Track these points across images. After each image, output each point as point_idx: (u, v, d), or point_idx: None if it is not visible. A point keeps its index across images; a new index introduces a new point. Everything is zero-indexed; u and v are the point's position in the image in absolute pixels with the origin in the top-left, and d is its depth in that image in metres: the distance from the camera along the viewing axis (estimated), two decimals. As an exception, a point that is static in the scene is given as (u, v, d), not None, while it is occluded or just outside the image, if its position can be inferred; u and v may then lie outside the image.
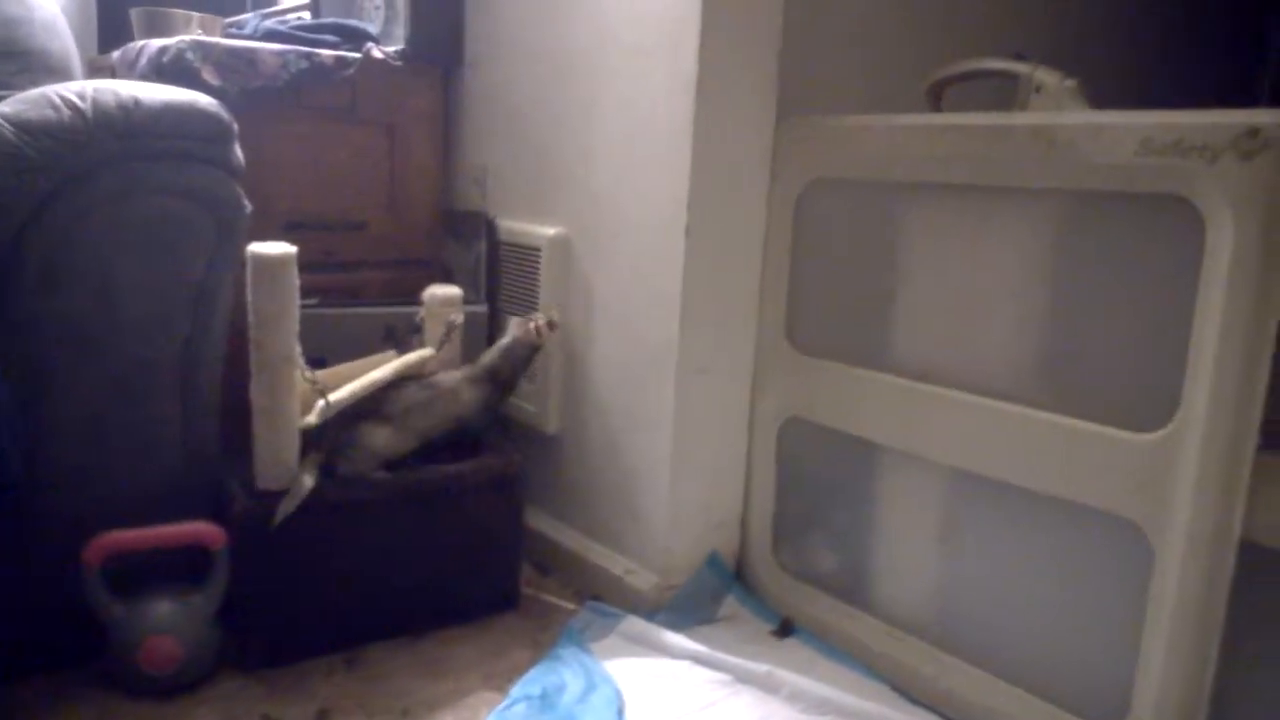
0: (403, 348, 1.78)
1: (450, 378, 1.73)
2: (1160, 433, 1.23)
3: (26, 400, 1.40)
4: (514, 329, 1.81)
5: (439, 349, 1.78)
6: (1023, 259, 1.42)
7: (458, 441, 1.72)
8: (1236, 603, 1.19)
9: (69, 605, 1.43)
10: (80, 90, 1.41)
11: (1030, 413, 1.37)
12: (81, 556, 1.41)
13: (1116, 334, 1.31)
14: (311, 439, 1.57)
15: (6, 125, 1.34)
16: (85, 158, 1.38)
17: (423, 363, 1.75)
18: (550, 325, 1.81)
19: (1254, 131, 1.13)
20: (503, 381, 1.77)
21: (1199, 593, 1.20)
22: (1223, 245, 1.16)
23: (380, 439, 1.61)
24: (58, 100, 1.38)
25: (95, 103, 1.39)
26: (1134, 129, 1.23)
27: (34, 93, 1.40)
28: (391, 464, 1.63)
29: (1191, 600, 1.21)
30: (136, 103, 1.42)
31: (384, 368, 1.67)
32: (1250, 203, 1.13)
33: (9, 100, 1.40)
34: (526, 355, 1.80)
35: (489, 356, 1.78)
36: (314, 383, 1.56)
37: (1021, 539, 1.42)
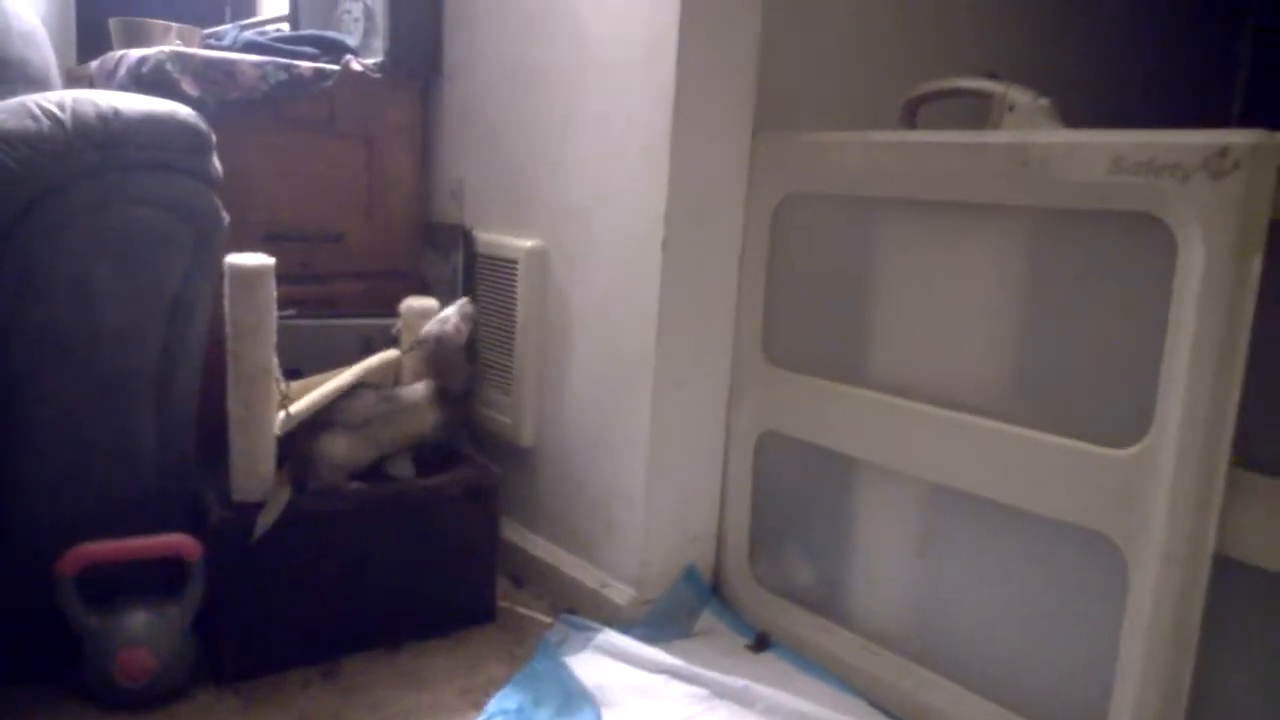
0: (380, 359, 1.78)
1: (412, 393, 1.72)
2: (1134, 449, 1.24)
3: (3, 406, 1.39)
4: (433, 337, 1.74)
5: (405, 351, 1.78)
6: (997, 276, 1.43)
7: (428, 455, 1.73)
8: (1211, 617, 1.21)
9: (44, 615, 1.42)
10: (60, 100, 1.40)
11: (1005, 428, 1.38)
12: (55, 567, 1.40)
13: (1090, 350, 1.32)
14: (283, 451, 1.57)
15: (-15, 135, 1.34)
16: (64, 168, 1.37)
17: (387, 366, 1.74)
18: (464, 318, 1.75)
19: (1224, 151, 1.14)
20: (455, 394, 1.75)
21: (1174, 607, 1.21)
22: (1194, 263, 1.17)
23: (340, 449, 1.61)
24: (37, 110, 1.38)
25: (75, 113, 1.39)
26: (1106, 148, 1.24)
27: (13, 102, 1.40)
28: (365, 474, 1.63)
29: (1166, 615, 1.22)
30: (116, 113, 1.42)
31: (346, 373, 1.67)
32: (1221, 222, 1.15)
33: (-13, 110, 1.39)
34: (457, 357, 1.74)
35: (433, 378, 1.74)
36: (285, 395, 1.56)
37: (998, 554, 1.43)
